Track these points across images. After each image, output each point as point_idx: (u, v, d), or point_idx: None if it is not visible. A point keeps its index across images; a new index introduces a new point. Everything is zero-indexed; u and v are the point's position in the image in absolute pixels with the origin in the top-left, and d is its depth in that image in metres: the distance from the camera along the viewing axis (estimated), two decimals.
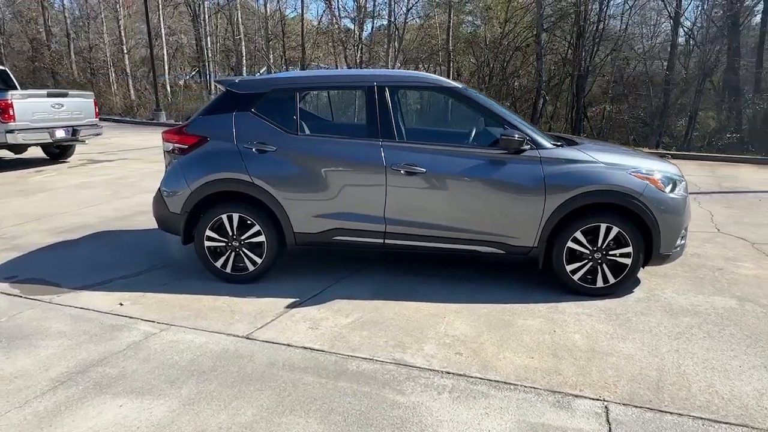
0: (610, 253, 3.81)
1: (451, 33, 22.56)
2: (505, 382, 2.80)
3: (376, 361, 3.01)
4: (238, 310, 3.67)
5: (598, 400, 2.65)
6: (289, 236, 4.02)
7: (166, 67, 25.79)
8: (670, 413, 2.54)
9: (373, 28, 25.55)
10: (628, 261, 3.81)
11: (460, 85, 4.02)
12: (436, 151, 3.86)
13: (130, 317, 3.56)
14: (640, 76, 19.66)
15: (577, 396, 2.67)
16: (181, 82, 27.11)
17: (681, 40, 19.92)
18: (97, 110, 10.05)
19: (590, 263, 3.85)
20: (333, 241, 4.02)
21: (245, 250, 4.07)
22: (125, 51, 25.74)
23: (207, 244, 4.08)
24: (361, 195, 3.89)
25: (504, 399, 2.65)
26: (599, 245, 3.81)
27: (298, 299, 3.86)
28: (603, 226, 3.76)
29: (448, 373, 2.89)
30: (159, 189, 4.22)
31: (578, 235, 3.80)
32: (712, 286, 4.15)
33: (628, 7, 19.88)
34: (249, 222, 4.01)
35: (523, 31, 20.96)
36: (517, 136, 3.69)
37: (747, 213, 6.63)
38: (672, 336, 3.32)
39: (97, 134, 10.13)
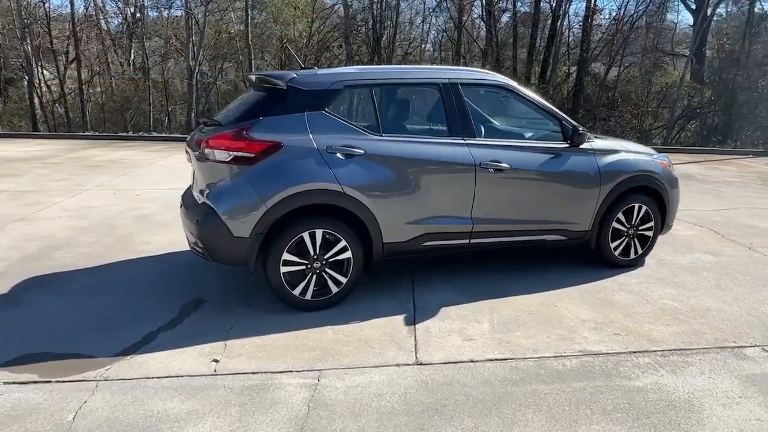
0: (640, 228, 4.47)
1: (250, 30, 21.72)
2: (681, 349, 3.15)
3: (568, 356, 3.05)
4: (366, 339, 3.22)
5: (754, 346, 3.19)
6: (377, 249, 3.65)
7: None
8: None
9: (143, 17, 22.93)
10: (650, 234, 4.52)
11: (517, 84, 4.17)
12: (514, 147, 3.96)
13: (253, 372, 2.83)
14: None
15: (739, 347, 3.18)
16: None
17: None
18: None
19: (626, 239, 4.45)
20: (422, 248, 3.79)
21: (328, 270, 3.55)
22: None
23: (283, 269, 3.43)
24: (453, 196, 3.77)
25: (701, 362, 3.00)
26: (633, 223, 4.43)
27: (405, 314, 3.57)
28: (636, 206, 4.39)
29: (635, 352, 3.11)
30: (211, 210, 3.35)
31: (620, 215, 4.35)
32: (681, 246, 5.18)
33: (422, 18, 22.10)
34: (332, 238, 3.50)
35: (331, 32, 21.52)
36: (581, 130, 4.04)
37: None
38: (717, 288, 4.11)
39: None
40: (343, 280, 3.59)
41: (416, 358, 3.00)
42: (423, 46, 25.88)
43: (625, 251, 4.48)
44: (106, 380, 2.73)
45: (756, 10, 21.44)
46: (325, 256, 3.51)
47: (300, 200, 3.37)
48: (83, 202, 6.55)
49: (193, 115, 20.03)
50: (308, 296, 3.53)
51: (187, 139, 3.93)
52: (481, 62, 24.08)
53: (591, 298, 3.87)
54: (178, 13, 22.09)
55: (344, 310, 3.60)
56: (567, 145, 4.10)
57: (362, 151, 3.49)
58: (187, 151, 3.83)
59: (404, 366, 2.92)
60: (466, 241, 3.90)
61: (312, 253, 3.47)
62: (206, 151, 3.39)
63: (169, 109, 21.80)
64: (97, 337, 3.18)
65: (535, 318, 3.53)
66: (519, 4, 22.72)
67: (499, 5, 22.66)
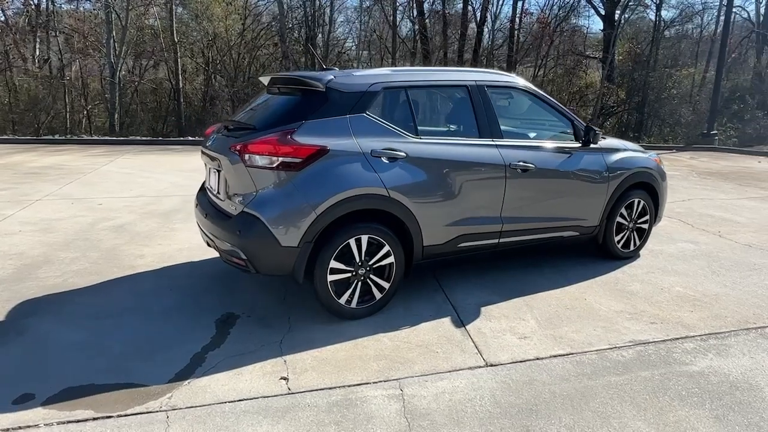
0: (638, 221, 4.76)
1: (174, 26, 20.65)
2: (714, 333, 3.40)
3: (623, 347, 3.19)
4: (425, 344, 3.18)
5: None
6: (417, 252, 3.61)
7: None
8: None
9: (54, 9, 21.17)
10: (646, 226, 4.83)
11: (532, 85, 4.28)
12: (537, 147, 4.07)
13: (330, 388, 2.71)
14: None
15: (760, 327, 3.48)
16: None
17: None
18: None
19: (627, 232, 4.72)
20: (457, 249, 3.80)
21: (372, 277, 3.47)
22: None
23: (330, 278, 3.31)
24: (486, 197, 3.81)
25: (737, 344, 3.25)
26: (633, 217, 4.71)
27: (449, 317, 3.57)
28: (636, 201, 4.67)
29: (677, 339, 3.31)
30: (256, 220, 3.14)
31: (623, 210, 4.61)
32: (663, 237, 5.56)
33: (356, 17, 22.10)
34: (376, 243, 3.43)
35: (264, 29, 20.96)
36: (597, 130, 4.23)
37: None
38: (713, 273, 4.47)
39: None
40: (386, 285, 3.53)
41: (484, 360, 3.01)
42: (354, 45, 25.90)
43: (626, 244, 4.75)
44: (174, 409, 2.50)
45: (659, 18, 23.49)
46: (370, 263, 3.43)
47: (349, 206, 3.26)
48: (41, 213, 5.93)
49: (116, 116, 18.76)
50: (354, 304, 3.44)
51: (208, 143, 3.68)
52: (411, 62, 24.52)
53: (612, 290, 4.07)
54: (88, 5, 20.55)
55: (387, 316, 3.54)
56: (579, 145, 4.28)
57: (404, 154, 3.44)
58: (210, 156, 3.59)
59: (477, 369, 2.92)
60: (496, 240, 3.96)
61: (358, 259, 3.38)
62: (246, 156, 3.18)
63: (88, 108, 20.22)
64: (138, 363, 2.90)
65: (572, 312, 3.66)
66: (449, 5, 23.29)
67: (433, 7, 23.18)
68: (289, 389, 2.69)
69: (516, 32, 22.17)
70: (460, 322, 3.48)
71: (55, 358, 2.93)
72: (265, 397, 2.62)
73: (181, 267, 4.41)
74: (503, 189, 3.85)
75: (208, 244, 3.73)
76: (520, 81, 4.23)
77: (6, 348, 3.03)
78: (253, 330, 3.31)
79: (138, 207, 6.37)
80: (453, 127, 3.91)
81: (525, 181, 3.95)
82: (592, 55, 27.48)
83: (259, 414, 2.48)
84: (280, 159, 3.14)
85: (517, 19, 22.07)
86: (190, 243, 5.00)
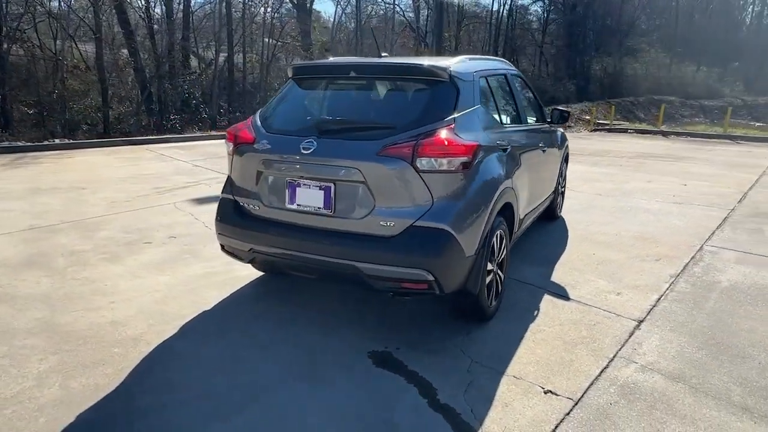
0: (561, 185, 5.78)
1: None
2: (692, 258, 4.54)
3: (675, 282, 4.00)
4: (574, 322, 3.36)
5: (704, 246, 4.88)
6: (513, 240, 3.68)
7: None
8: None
9: None
10: (564, 190, 5.90)
11: None
12: (541, 130, 4.52)
13: (592, 384, 2.69)
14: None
15: (701, 249, 4.80)
16: None
17: None
18: None
19: (560, 197, 5.68)
20: (519, 233, 3.99)
21: (498, 271, 3.41)
22: None
23: (487, 280, 3.14)
24: (534, 178, 4.06)
25: (713, 261, 4.45)
26: (562, 183, 5.68)
27: (545, 294, 3.78)
28: (563, 169, 5.65)
29: (685, 267, 4.32)
30: (442, 233, 2.69)
31: (559, 179, 5.52)
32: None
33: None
34: (500, 237, 3.38)
35: None
36: (568, 111, 4.92)
37: None
38: (618, 219, 5.79)
39: None
40: (503, 276, 3.50)
41: (631, 319, 3.38)
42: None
43: (560, 207, 5.70)
44: None
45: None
46: (497, 258, 3.36)
47: (501, 202, 3.12)
48: None
49: None
50: (493, 302, 3.32)
51: (306, 152, 2.84)
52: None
53: (594, 244, 4.89)
54: None
55: (502, 308, 3.53)
56: (548, 125, 4.92)
57: (506, 144, 3.44)
58: (320, 166, 2.83)
59: (642, 325, 3.30)
60: (530, 219, 4.30)
61: (497, 256, 3.27)
62: (419, 160, 2.68)
63: None
64: None
65: (608, 266, 4.32)
66: None
67: None
68: (570, 399, 2.55)
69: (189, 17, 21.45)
70: (562, 296, 3.73)
71: None
72: (567, 413, 2.44)
73: (209, 319, 3.32)
74: (538, 169, 4.20)
75: (314, 274, 2.99)
76: (516, 69, 4.58)
77: None
78: (431, 361, 2.87)
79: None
80: (509, 116, 4.01)
81: (541, 161, 4.37)
82: (297, 43, 28.76)
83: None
84: (459, 159, 2.77)
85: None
86: (159, 290, 3.73)
